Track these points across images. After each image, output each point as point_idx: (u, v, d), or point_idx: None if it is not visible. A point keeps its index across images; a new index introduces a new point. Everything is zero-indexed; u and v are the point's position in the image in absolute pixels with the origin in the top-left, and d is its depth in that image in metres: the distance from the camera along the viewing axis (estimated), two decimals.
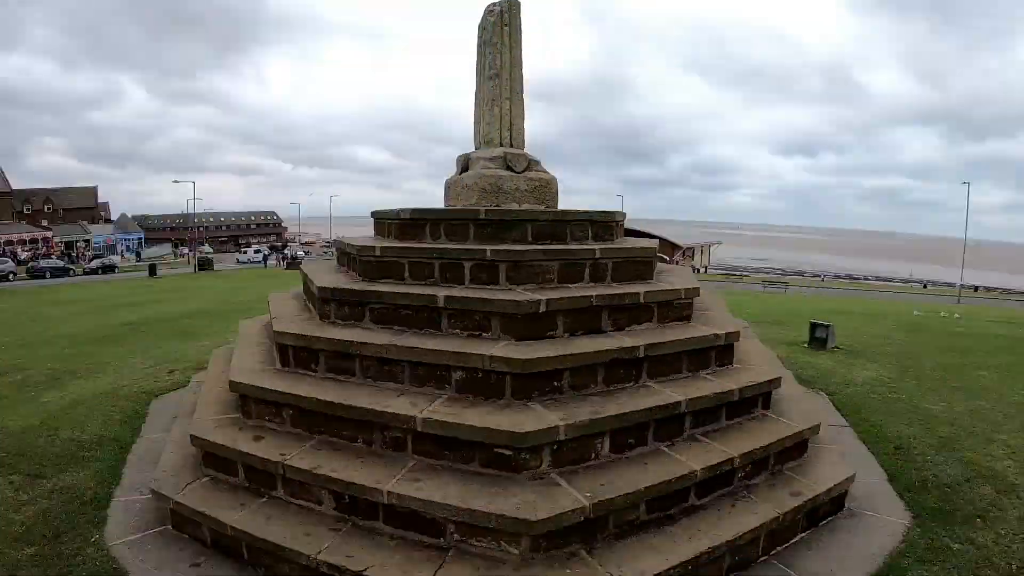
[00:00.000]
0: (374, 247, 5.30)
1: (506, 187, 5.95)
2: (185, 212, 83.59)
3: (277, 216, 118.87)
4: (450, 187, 6.36)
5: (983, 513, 4.63)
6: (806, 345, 10.93)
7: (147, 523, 4.28)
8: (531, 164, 6.26)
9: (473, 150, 6.54)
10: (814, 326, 11.07)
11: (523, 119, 6.65)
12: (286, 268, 51.90)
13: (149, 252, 78.88)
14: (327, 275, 5.83)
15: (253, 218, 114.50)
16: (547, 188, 6.22)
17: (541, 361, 4.12)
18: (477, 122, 6.55)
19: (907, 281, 72.08)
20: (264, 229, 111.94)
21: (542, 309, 4.46)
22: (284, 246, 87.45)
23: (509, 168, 6.08)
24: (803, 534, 4.25)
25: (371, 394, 4.30)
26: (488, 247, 4.91)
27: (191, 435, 4.54)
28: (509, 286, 4.82)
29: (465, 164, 6.34)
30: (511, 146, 6.40)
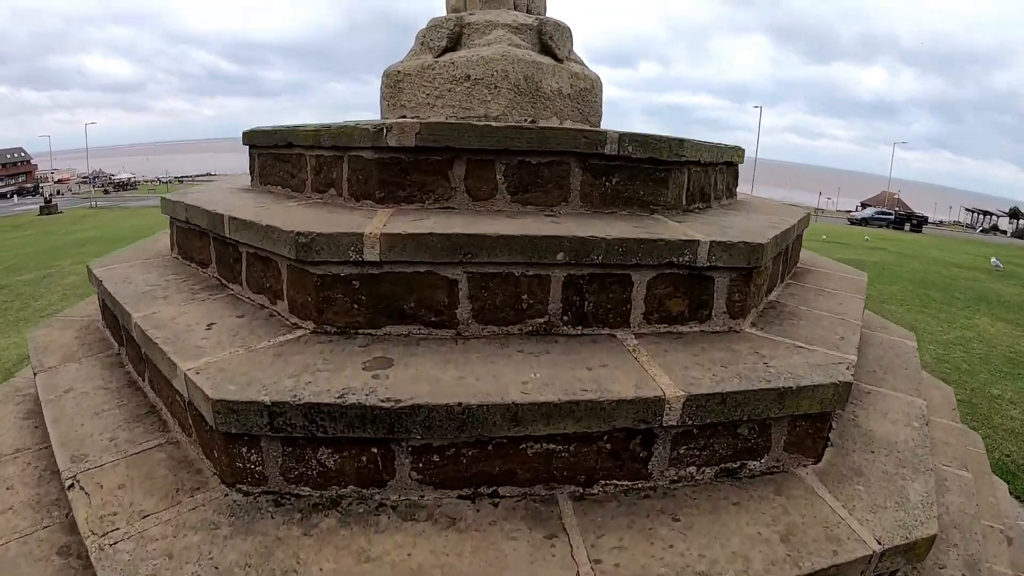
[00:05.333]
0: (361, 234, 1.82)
1: (545, 86, 3.10)
2: None
3: (25, 153, 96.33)
4: (411, 78, 3.26)
5: None
6: None
7: None
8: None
9: (453, 13, 3.44)
10: None
11: None
12: (41, 214, 36.02)
13: None
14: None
15: None
16: (593, 94, 3.45)
17: None
18: None
19: None
20: (11, 169, 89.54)
21: None
22: (37, 187, 69.76)
23: (548, 51, 3.24)
24: None
25: None
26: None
27: None
28: None
29: (454, 35, 3.26)
30: (531, 12, 3.59)
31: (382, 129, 2.07)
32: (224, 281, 2.37)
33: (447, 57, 3.20)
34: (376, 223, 1.86)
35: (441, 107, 3.20)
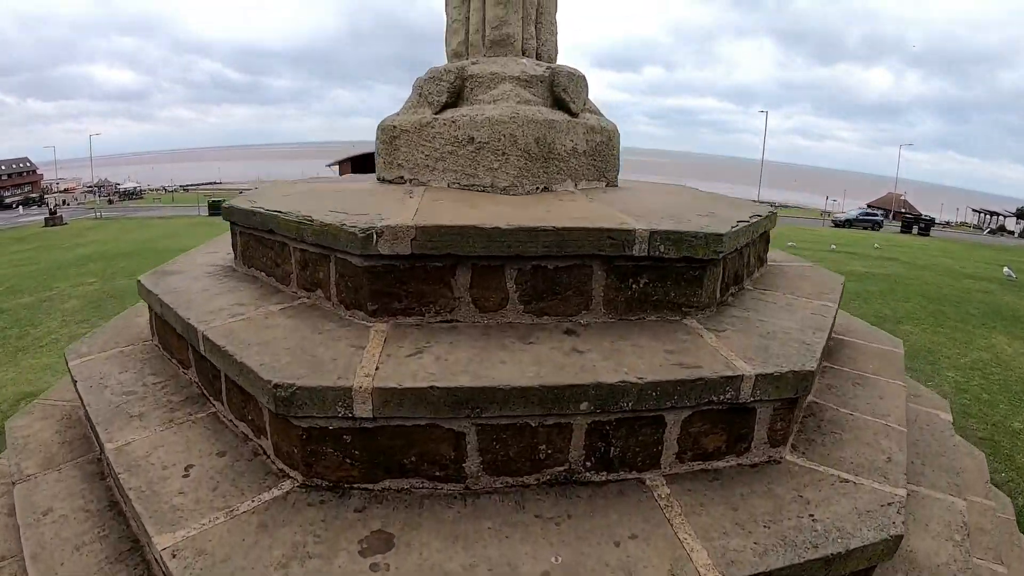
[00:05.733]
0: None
1: (559, 147, 2.92)
2: None
3: (31, 163, 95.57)
4: (409, 136, 3.09)
5: None
6: None
7: None
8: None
9: (454, 62, 3.20)
10: None
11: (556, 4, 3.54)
12: (46, 225, 34.63)
13: None
14: None
15: (3, 167, 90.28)
16: (610, 147, 3.30)
17: None
18: (456, 5, 3.37)
19: None
20: (17, 179, 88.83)
21: None
22: (42, 196, 69.85)
23: (561, 104, 3.05)
24: None
25: None
26: None
27: None
28: None
29: (455, 88, 3.05)
30: (541, 57, 3.44)
31: (371, 235, 1.84)
32: (205, 393, 2.14)
33: (448, 114, 2.98)
34: (367, 362, 1.63)
35: (442, 171, 2.99)
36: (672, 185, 4.26)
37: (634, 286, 2.01)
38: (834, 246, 21.55)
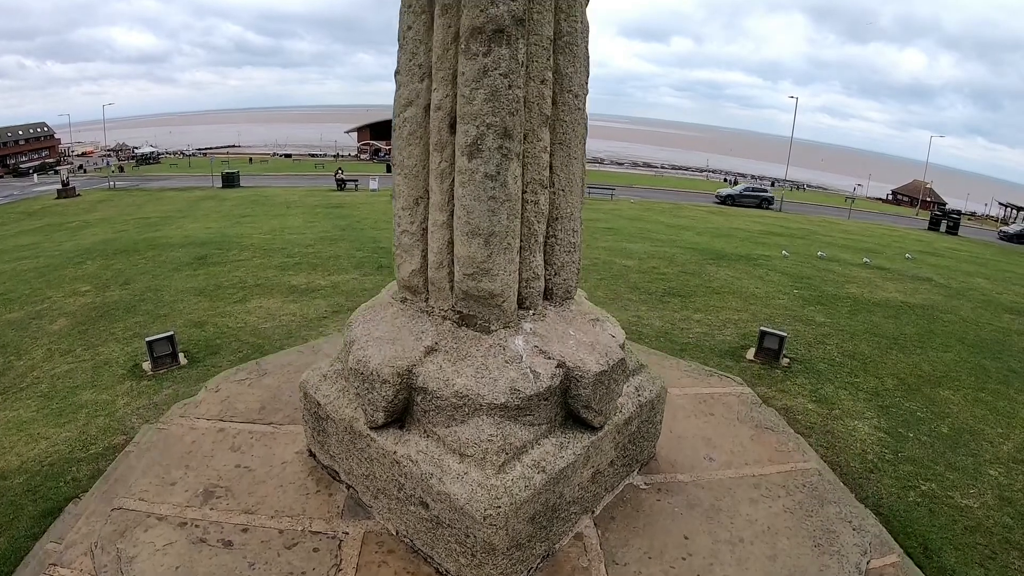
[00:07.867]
0: None
1: (569, 493, 1.99)
2: None
3: (48, 127, 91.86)
4: (340, 438, 2.23)
5: None
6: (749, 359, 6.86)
7: None
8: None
9: (407, 306, 2.35)
10: (763, 335, 7.12)
11: (581, 188, 2.43)
12: (59, 197, 31.82)
13: None
14: None
15: (21, 132, 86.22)
16: (651, 418, 2.36)
17: None
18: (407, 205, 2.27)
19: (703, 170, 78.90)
20: (35, 144, 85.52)
21: None
22: (58, 162, 66.42)
23: (579, 420, 2.10)
24: None
25: None
26: None
27: None
28: None
29: (397, 404, 2.04)
30: (556, 299, 2.40)
31: None
32: None
33: (388, 443, 1.99)
34: None
35: (387, 510, 2.05)
36: (732, 403, 3.16)
37: None
38: (867, 259, 20.22)
